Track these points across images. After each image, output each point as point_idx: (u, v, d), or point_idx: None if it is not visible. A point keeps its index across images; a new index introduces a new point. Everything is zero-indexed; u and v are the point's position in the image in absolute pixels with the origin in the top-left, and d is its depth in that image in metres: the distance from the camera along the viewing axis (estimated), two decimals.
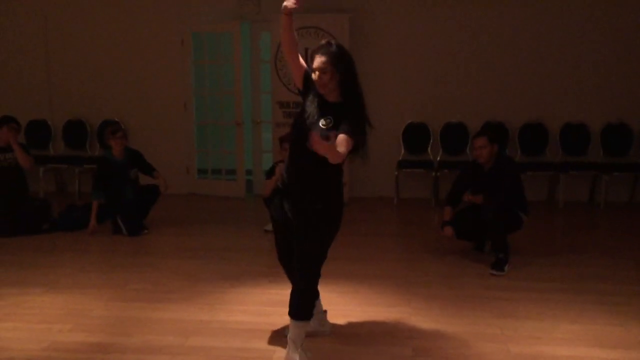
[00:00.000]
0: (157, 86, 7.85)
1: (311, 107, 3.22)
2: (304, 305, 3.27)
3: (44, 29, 7.91)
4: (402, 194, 7.51)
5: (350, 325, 3.80)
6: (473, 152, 5.12)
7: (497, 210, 4.78)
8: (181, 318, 3.89)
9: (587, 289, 4.38)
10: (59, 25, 7.89)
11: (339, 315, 3.86)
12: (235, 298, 4.26)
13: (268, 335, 3.64)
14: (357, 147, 3.15)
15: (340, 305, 4.05)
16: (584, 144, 7.31)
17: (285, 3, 3.12)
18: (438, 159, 7.48)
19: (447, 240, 5.22)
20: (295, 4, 3.10)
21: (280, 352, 3.41)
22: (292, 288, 3.34)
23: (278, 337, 3.60)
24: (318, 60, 3.12)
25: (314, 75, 3.15)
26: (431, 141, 7.52)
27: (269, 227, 6.03)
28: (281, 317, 3.86)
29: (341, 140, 3.00)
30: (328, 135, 2.97)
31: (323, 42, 3.20)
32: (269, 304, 4.13)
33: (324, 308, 3.67)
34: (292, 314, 3.27)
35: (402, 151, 7.55)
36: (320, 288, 3.43)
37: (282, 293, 4.26)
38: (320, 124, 3.13)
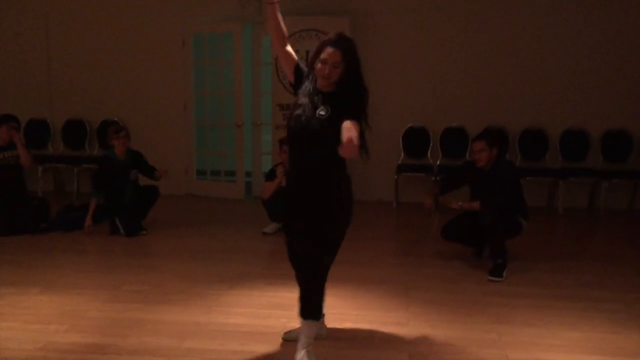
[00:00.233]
0: (157, 86, 7.84)
1: (305, 98, 3.15)
2: (313, 304, 3.24)
3: (45, 28, 7.90)
4: (401, 198, 7.49)
5: (347, 329, 3.78)
6: (472, 156, 5.11)
7: (495, 214, 4.76)
8: (178, 320, 3.87)
9: (587, 296, 4.37)
10: (59, 24, 7.88)
11: (336, 319, 3.84)
12: (232, 300, 4.24)
13: (265, 338, 3.62)
14: (363, 134, 3.07)
15: (338, 309, 4.03)
16: (584, 150, 7.30)
17: None
18: (438, 163, 7.47)
19: (446, 245, 5.23)
20: None
21: (277, 355, 3.40)
22: (301, 287, 3.29)
23: (275, 340, 3.58)
24: (332, 54, 3.04)
25: (320, 66, 3.07)
26: (431, 145, 7.51)
27: (268, 229, 6.06)
28: (278, 319, 3.85)
29: (349, 126, 2.85)
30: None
31: (333, 34, 3.12)
32: (266, 306, 4.11)
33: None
34: (302, 313, 3.24)
35: (402, 155, 7.54)
36: None
37: (280, 295, 4.26)
38: (318, 114, 3.07)
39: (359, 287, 4.51)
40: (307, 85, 3.19)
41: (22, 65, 7.99)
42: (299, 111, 3.15)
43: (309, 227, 3.18)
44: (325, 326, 3.66)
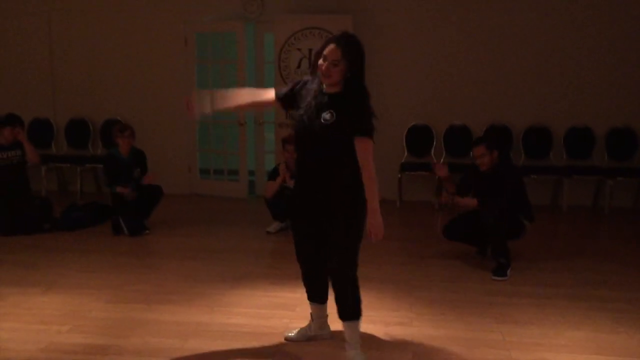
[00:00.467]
0: (160, 86, 7.83)
1: (308, 100, 3.13)
2: (350, 304, 3.23)
3: (48, 27, 7.90)
4: (404, 196, 7.47)
5: None
6: (474, 161, 5.08)
7: (497, 215, 4.74)
8: (180, 320, 3.87)
9: (591, 295, 4.34)
10: (62, 23, 7.88)
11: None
12: (235, 300, 4.23)
13: (268, 338, 3.61)
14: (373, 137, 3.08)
15: None
16: (589, 148, 7.27)
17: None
18: (441, 161, 7.43)
19: (450, 245, 5.21)
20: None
21: (279, 356, 3.38)
22: (335, 288, 3.25)
23: (278, 340, 3.57)
24: (332, 51, 3.02)
25: (321, 62, 3.04)
26: (434, 144, 7.48)
27: (271, 228, 6.04)
28: (281, 320, 3.84)
29: (362, 149, 3.01)
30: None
31: (339, 32, 3.11)
32: (269, 306, 4.10)
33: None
34: (340, 315, 3.23)
35: (405, 153, 7.52)
36: None
37: (283, 296, 4.25)
38: (322, 119, 3.05)
39: (362, 287, 4.43)
40: (310, 89, 3.17)
41: (25, 64, 8.00)
42: (301, 111, 3.14)
43: (325, 228, 3.16)
44: (329, 326, 3.64)
